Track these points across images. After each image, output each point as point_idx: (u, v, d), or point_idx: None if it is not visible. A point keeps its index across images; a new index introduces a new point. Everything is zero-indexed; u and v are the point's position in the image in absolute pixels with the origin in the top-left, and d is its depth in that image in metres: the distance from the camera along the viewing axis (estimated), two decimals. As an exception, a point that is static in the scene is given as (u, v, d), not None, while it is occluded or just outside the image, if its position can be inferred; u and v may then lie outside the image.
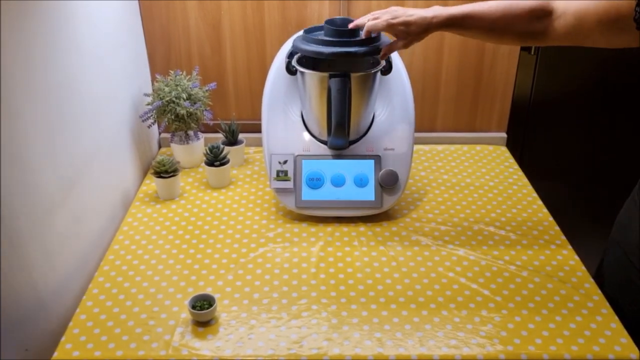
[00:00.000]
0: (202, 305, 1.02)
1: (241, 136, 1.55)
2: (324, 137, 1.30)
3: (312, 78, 1.24)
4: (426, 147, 1.64)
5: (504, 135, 1.68)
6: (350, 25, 1.16)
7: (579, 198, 1.92)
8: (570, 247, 1.22)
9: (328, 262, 1.17)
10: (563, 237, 1.25)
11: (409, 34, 1.06)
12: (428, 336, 0.99)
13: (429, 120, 1.66)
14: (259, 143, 1.57)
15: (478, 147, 1.64)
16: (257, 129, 1.47)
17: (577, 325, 1.01)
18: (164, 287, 1.10)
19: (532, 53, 1.63)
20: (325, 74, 1.19)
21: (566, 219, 1.36)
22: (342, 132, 1.22)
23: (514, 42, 1.11)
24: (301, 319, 1.02)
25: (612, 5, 0.88)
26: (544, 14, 0.98)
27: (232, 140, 1.53)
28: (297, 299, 1.07)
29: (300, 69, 1.25)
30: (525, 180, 1.48)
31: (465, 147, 1.64)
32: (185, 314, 1.03)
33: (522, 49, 1.58)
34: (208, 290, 1.09)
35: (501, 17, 1.01)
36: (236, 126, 1.52)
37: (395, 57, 1.35)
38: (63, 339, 0.98)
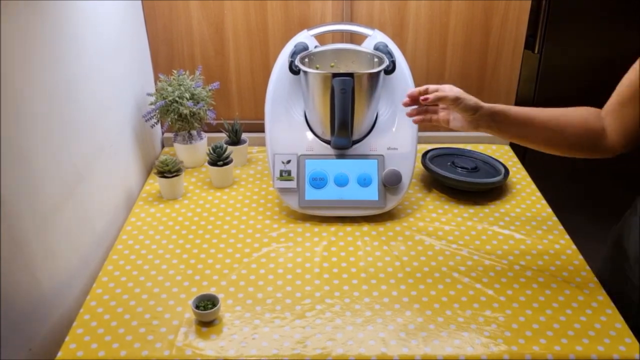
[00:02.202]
0: (206, 305, 1.02)
1: (244, 136, 1.55)
2: (327, 137, 1.30)
3: (315, 78, 1.24)
4: (429, 147, 1.63)
5: (508, 134, 1.67)
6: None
7: (583, 197, 1.92)
8: (574, 246, 1.22)
9: (331, 262, 1.17)
10: (567, 237, 1.25)
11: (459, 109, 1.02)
12: (432, 336, 0.98)
13: (432, 119, 1.66)
14: (262, 143, 1.57)
15: (481, 147, 1.64)
16: (260, 128, 1.47)
17: (582, 325, 1.00)
18: (167, 287, 1.10)
19: (536, 52, 1.62)
20: (329, 74, 1.19)
21: (570, 218, 1.35)
22: (345, 132, 1.22)
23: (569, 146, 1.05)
24: (305, 319, 1.02)
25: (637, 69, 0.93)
26: (593, 116, 1.00)
27: (235, 140, 1.53)
28: (300, 298, 1.07)
29: (303, 68, 1.25)
30: (529, 179, 1.48)
31: (469, 147, 1.63)
32: (189, 314, 1.03)
33: (526, 46, 1.57)
34: (212, 290, 1.09)
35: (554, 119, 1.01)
36: (239, 126, 1.52)
37: (398, 56, 1.35)
38: (67, 338, 0.98)
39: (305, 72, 1.25)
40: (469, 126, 1.03)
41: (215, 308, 1.01)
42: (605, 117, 1.00)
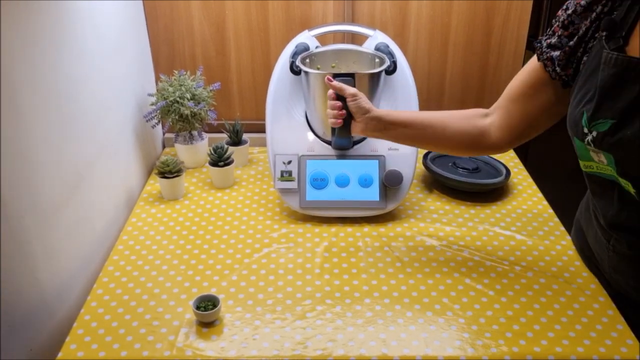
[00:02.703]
0: (207, 306, 1.02)
1: (245, 136, 1.55)
2: (328, 138, 1.30)
3: (316, 78, 1.24)
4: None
5: (509, 135, 1.67)
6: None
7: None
8: (575, 247, 1.21)
9: (332, 263, 1.17)
10: (568, 238, 1.24)
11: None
12: (433, 337, 0.98)
13: (434, 120, 1.66)
14: (263, 143, 1.57)
15: (483, 147, 1.64)
16: (261, 129, 1.47)
17: (583, 326, 1.00)
18: (168, 287, 1.10)
19: (537, 53, 1.62)
20: (330, 74, 1.19)
21: (572, 219, 1.35)
22: (346, 133, 1.22)
23: (456, 144, 1.12)
24: (305, 320, 1.02)
25: (527, 70, 1.01)
26: (478, 114, 1.08)
27: (236, 141, 1.53)
28: (301, 299, 1.07)
29: (304, 69, 1.25)
30: (530, 180, 1.48)
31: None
32: (190, 315, 1.03)
33: (527, 47, 1.57)
34: (212, 291, 1.09)
35: (439, 118, 1.10)
36: (240, 126, 1.52)
37: (399, 56, 1.34)
38: (67, 339, 0.97)
39: (306, 73, 1.25)
40: (358, 127, 1.11)
41: (216, 309, 1.01)
42: (491, 114, 1.07)
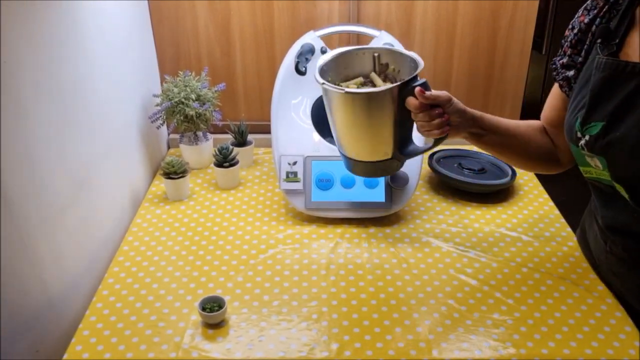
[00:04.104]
0: (212, 307, 1.02)
1: (250, 137, 1.54)
2: (376, 159, 1.07)
3: (373, 98, 0.98)
4: (436, 148, 1.62)
5: (515, 136, 1.66)
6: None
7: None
8: (580, 249, 1.21)
9: (338, 264, 1.17)
10: (575, 239, 1.24)
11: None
12: (439, 339, 0.98)
13: (439, 120, 1.65)
14: (268, 144, 1.57)
15: (488, 148, 1.63)
16: (266, 129, 1.46)
17: (591, 328, 0.99)
18: (173, 288, 1.10)
19: (544, 53, 1.62)
20: (400, 84, 0.97)
21: (578, 221, 1.34)
22: (443, 139, 1.03)
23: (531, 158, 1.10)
24: (312, 321, 1.02)
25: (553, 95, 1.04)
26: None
27: (241, 141, 1.53)
28: (307, 301, 1.07)
29: (349, 90, 0.99)
30: (536, 180, 1.47)
31: (475, 148, 1.62)
32: (195, 316, 1.02)
33: (533, 47, 1.56)
34: (218, 292, 1.09)
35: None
36: (245, 127, 1.52)
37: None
38: (73, 340, 0.97)
39: (356, 93, 0.98)
40: (457, 131, 1.01)
41: (222, 310, 1.00)
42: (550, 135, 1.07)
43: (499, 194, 1.40)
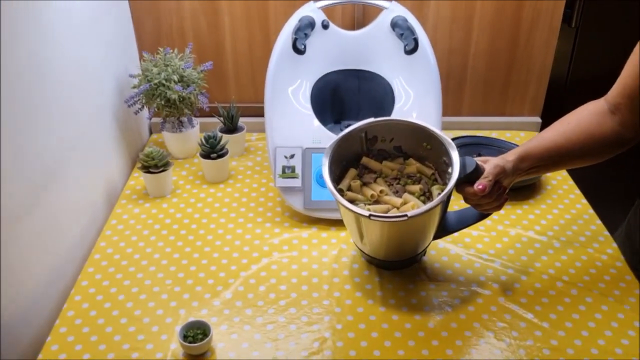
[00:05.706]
0: (195, 335, 0.86)
1: (241, 122, 1.37)
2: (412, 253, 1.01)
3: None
4: (450, 134, 1.45)
5: (539, 120, 1.49)
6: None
7: (628, 191, 1.72)
8: (623, 257, 1.05)
9: (343, 277, 1.01)
10: (614, 245, 1.08)
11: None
12: (459, 354, 0.83)
13: (454, 103, 1.48)
14: (261, 128, 1.39)
15: (508, 134, 1.46)
16: (259, 112, 1.29)
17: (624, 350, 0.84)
18: (151, 308, 0.94)
19: (573, 26, 1.43)
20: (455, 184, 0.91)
21: (616, 221, 1.18)
22: None
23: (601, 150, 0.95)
24: (312, 351, 0.86)
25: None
26: (603, 113, 0.91)
27: (230, 127, 1.35)
28: (307, 324, 0.91)
29: (382, 218, 0.89)
30: (566, 174, 1.30)
31: (495, 134, 1.45)
32: (175, 345, 0.87)
33: (564, 20, 1.38)
34: (202, 314, 0.93)
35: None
36: (236, 111, 1.34)
37: (420, 32, 1.16)
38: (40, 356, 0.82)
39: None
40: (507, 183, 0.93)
41: (207, 339, 0.85)
42: (616, 113, 0.90)
43: (524, 190, 1.24)
